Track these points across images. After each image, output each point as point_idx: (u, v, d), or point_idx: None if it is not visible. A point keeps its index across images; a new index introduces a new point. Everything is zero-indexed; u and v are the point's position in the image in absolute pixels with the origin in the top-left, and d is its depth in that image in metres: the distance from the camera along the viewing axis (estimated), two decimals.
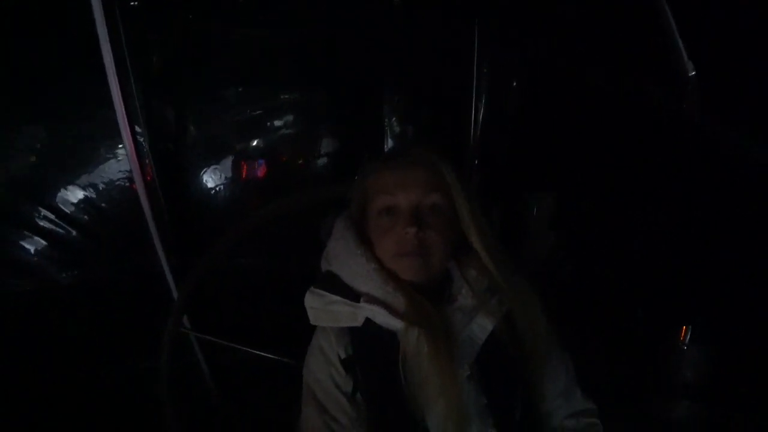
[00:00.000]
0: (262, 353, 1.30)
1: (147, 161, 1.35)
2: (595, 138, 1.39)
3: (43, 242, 1.39)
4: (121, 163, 1.38)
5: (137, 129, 1.31)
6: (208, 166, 1.45)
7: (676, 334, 1.11)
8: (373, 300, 0.81)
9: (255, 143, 1.47)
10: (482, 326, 0.81)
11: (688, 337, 1.09)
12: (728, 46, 0.91)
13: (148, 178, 1.35)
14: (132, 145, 1.29)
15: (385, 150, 1.46)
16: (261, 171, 1.51)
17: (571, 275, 1.40)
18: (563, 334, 0.91)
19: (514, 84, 1.34)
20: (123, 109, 1.25)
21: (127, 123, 1.27)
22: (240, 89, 1.42)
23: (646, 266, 1.29)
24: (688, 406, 1.07)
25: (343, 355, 0.83)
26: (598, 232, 1.43)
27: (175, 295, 1.40)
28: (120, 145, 1.33)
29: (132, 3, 1.28)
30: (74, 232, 1.40)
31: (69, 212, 1.39)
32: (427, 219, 0.82)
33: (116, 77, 1.21)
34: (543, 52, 1.30)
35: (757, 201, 1.03)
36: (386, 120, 1.46)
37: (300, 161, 1.51)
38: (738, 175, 1.01)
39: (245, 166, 1.48)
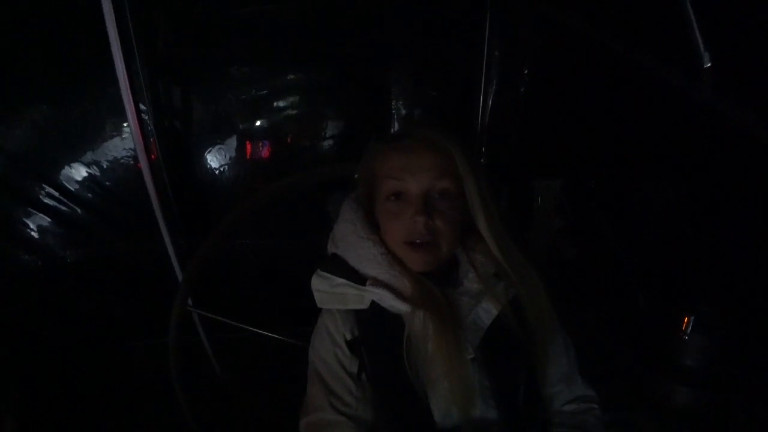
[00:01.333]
0: (267, 333, 1.31)
1: (151, 140, 1.34)
2: (602, 125, 1.38)
3: (49, 219, 1.40)
4: (125, 142, 1.38)
5: (142, 107, 1.30)
6: (213, 146, 1.44)
7: (679, 321, 1.12)
8: (379, 283, 0.81)
9: (260, 123, 1.46)
10: (487, 311, 0.81)
11: (691, 326, 1.10)
12: (747, 39, 0.89)
13: (153, 156, 1.34)
14: (136, 123, 1.27)
15: (392, 131, 1.44)
16: (266, 151, 1.50)
17: (576, 260, 1.41)
18: (567, 319, 0.91)
19: (525, 69, 1.31)
20: (128, 88, 1.23)
21: (132, 101, 1.25)
22: (246, 68, 1.40)
23: (650, 253, 1.30)
24: (689, 393, 1.08)
25: (348, 337, 0.84)
26: (603, 218, 1.43)
27: (179, 273, 1.41)
28: (125, 124, 1.32)
29: None
30: (80, 210, 1.40)
31: (74, 190, 1.39)
32: (437, 205, 0.81)
33: (121, 55, 1.18)
34: (553, 36, 1.27)
35: (760, 189, 1.02)
36: (393, 101, 1.45)
37: (306, 141, 1.50)
38: (744, 164, 1.00)
39: (250, 146, 1.48)
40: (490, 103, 1.37)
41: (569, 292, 0.87)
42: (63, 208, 1.39)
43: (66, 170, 1.38)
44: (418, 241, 0.81)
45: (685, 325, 1.10)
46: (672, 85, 0.96)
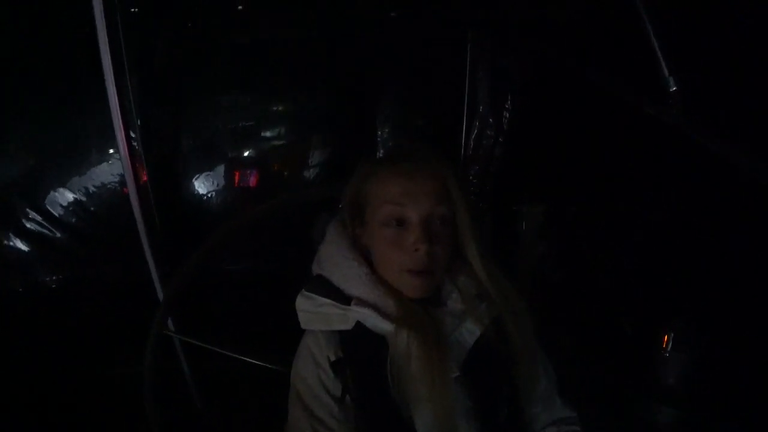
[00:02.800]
0: (249, 359, 1.29)
1: (140, 165, 1.35)
2: (584, 150, 1.42)
3: (33, 243, 1.38)
4: (113, 167, 1.39)
5: (131, 134, 1.32)
6: (201, 172, 1.46)
7: (659, 339, 1.12)
8: (363, 303, 0.81)
9: (248, 150, 1.48)
10: (471, 331, 0.81)
11: (671, 344, 1.10)
12: (714, 60, 0.94)
13: (141, 181, 1.35)
14: (126, 148, 1.29)
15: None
16: (253, 178, 1.52)
17: (560, 283, 1.42)
18: (549, 340, 0.91)
19: (509, 93, 1.36)
20: (119, 113, 1.25)
21: (122, 127, 1.27)
22: (235, 96, 1.44)
23: (631, 274, 1.32)
24: (671, 412, 1.07)
25: (332, 358, 0.83)
26: (585, 242, 1.46)
27: (161, 298, 1.39)
28: (113, 149, 1.34)
29: (132, 10, 1.30)
30: (63, 235, 1.39)
31: (58, 214, 1.38)
32: (436, 232, 0.80)
33: (113, 80, 1.21)
34: (534, 64, 1.33)
35: (741, 209, 1.05)
36: (379, 129, 1.49)
37: (293, 169, 1.53)
38: (722, 183, 1.03)
39: (238, 173, 1.49)
40: (473, 131, 1.41)
41: (552, 315, 0.87)
42: (47, 231, 1.38)
43: (51, 194, 1.37)
44: (419, 269, 0.80)
45: (665, 342, 1.11)
46: (644, 110, 1.00)
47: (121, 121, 1.25)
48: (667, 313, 1.18)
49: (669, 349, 1.11)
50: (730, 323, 1.07)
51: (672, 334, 1.11)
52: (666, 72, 0.87)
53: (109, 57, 1.19)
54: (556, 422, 0.89)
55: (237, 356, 1.29)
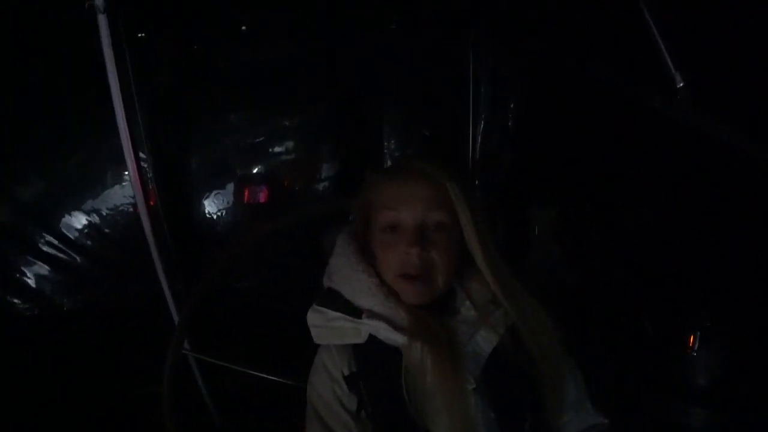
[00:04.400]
0: (265, 375, 1.28)
1: (150, 187, 1.37)
2: (595, 149, 1.40)
3: (47, 267, 1.40)
4: (125, 189, 1.41)
5: (141, 155, 1.34)
6: (211, 191, 1.47)
7: (685, 339, 1.09)
8: (374, 315, 0.80)
9: (258, 167, 1.49)
10: (487, 339, 0.80)
11: (697, 343, 1.07)
12: (721, 54, 0.93)
13: (152, 203, 1.36)
14: (136, 171, 1.31)
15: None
16: (263, 195, 1.52)
17: (577, 287, 1.39)
18: (572, 345, 0.89)
19: (514, 98, 1.35)
20: (128, 136, 1.28)
21: (131, 149, 1.29)
22: (242, 114, 1.45)
23: (651, 273, 1.29)
24: (701, 414, 1.03)
25: (346, 372, 0.82)
26: (602, 243, 1.43)
27: (176, 319, 1.40)
28: (125, 171, 1.35)
29: (139, 35, 1.33)
30: (78, 257, 1.41)
31: (73, 237, 1.40)
32: (432, 237, 0.81)
33: (122, 104, 1.24)
34: (540, 65, 1.32)
35: (762, 203, 1.02)
36: (386, 141, 1.49)
37: (302, 184, 1.53)
38: (741, 180, 1.01)
39: (247, 191, 1.50)
40: (479, 138, 1.40)
41: (572, 319, 0.85)
42: (62, 255, 1.40)
43: (66, 218, 1.40)
44: (412, 273, 0.81)
45: (691, 342, 1.07)
46: (653, 107, 0.99)
47: (130, 144, 1.28)
48: (691, 311, 1.15)
49: (696, 348, 1.07)
50: (757, 320, 1.03)
51: (698, 333, 1.07)
52: (672, 68, 0.85)
53: (117, 82, 1.21)
54: (588, 429, 0.86)
55: (254, 372, 1.29)
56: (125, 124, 1.27)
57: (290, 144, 1.50)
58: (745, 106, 0.88)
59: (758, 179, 0.95)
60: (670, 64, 0.85)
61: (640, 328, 1.20)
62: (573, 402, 0.87)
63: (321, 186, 1.52)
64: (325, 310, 0.85)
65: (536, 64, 1.31)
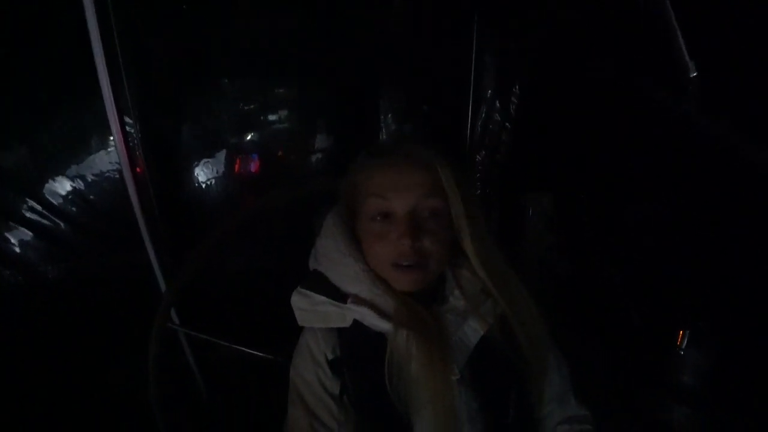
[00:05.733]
0: (252, 351, 1.28)
1: (137, 153, 1.32)
2: (593, 138, 1.37)
3: (30, 234, 1.36)
4: (111, 155, 1.35)
5: (127, 120, 1.29)
6: (201, 160, 1.42)
7: (673, 336, 1.09)
8: (360, 301, 0.78)
9: (250, 138, 1.44)
10: (474, 329, 0.79)
11: (686, 341, 1.07)
12: (733, 46, 0.88)
13: (138, 170, 1.32)
14: (121, 137, 1.26)
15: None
16: (255, 166, 1.48)
17: (568, 276, 1.38)
18: (559, 336, 0.88)
19: (515, 83, 1.30)
20: (112, 100, 1.22)
21: (116, 114, 1.24)
22: (235, 82, 1.39)
23: (643, 268, 1.28)
24: (686, 411, 1.04)
25: (330, 356, 0.81)
26: (595, 233, 1.41)
27: (163, 290, 1.38)
28: (110, 137, 1.30)
29: None
30: (62, 225, 1.37)
31: (57, 204, 1.36)
32: (425, 225, 0.78)
33: (105, 67, 1.18)
34: (543, 50, 1.27)
35: (756, 204, 1.00)
36: (383, 116, 1.44)
37: (295, 157, 1.48)
38: (736, 178, 0.99)
39: (239, 161, 1.46)
40: (479, 117, 1.36)
41: (561, 309, 0.84)
42: (46, 222, 1.36)
43: (50, 184, 1.35)
44: (404, 264, 0.78)
45: (680, 339, 1.07)
46: (660, 99, 0.95)
47: (114, 109, 1.22)
48: (680, 307, 1.14)
49: (683, 346, 1.07)
50: (745, 321, 1.03)
51: (687, 332, 1.07)
52: (686, 56, 0.81)
53: (100, 43, 1.15)
54: (569, 420, 0.86)
55: (239, 348, 1.29)
56: (109, 87, 1.21)
57: (284, 116, 1.45)
58: (746, 105, 0.84)
59: (755, 178, 0.92)
60: (685, 52, 0.80)
61: (628, 322, 1.20)
62: (556, 394, 0.87)
63: (315, 160, 1.48)
64: (310, 293, 0.83)
65: (542, 47, 1.25)
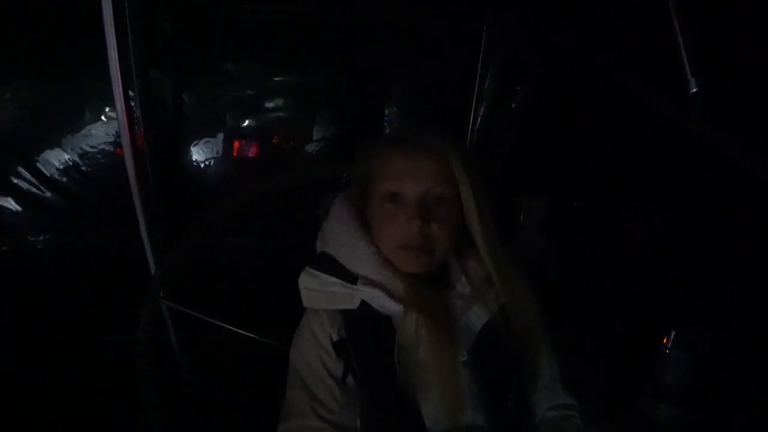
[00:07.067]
0: (244, 332, 1.27)
1: (137, 128, 1.30)
2: (589, 144, 1.42)
3: (22, 203, 1.33)
4: (109, 127, 1.34)
5: (131, 93, 1.26)
6: (201, 140, 1.42)
7: (660, 336, 1.14)
8: (370, 283, 0.80)
9: (251, 121, 1.44)
10: (479, 315, 0.82)
11: (672, 341, 1.12)
12: (734, 60, 0.93)
13: (138, 144, 1.29)
14: (124, 109, 1.23)
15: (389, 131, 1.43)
16: (255, 149, 1.48)
17: (558, 279, 1.43)
18: (550, 332, 0.92)
19: (522, 84, 1.34)
20: (118, 72, 1.19)
21: (121, 86, 1.21)
22: (241, 65, 1.38)
23: (632, 272, 1.33)
24: (669, 410, 1.09)
25: (335, 338, 0.82)
26: (586, 238, 1.46)
27: (153, 267, 1.36)
28: (110, 108, 1.28)
29: None
30: (54, 195, 1.34)
31: (49, 174, 1.33)
32: (434, 211, 0.81)
33: (115, 38, 1.15)
34: (550, 54, 1.31)
35: (745, 209, 1.06)
36: (386, 109, 1.46)
37: (296, 142, 1.49)
38: (728, 185, 1.04)
39: (239, 143, 1.45)
40: (480, 118, 1.39)
41: (550, 310, 0.87)
42: (37, 191, 1.33)
43: (44, 152, 1.32)
44: (412, 245, 0.80)
45: (666, 339, 1.12)
46: (660, 109, 1.00)
47: (120, 80, 1.19)
48: (666, 311, 1.20)
49: (670, 346, 1.12)
50: (732, 323, 1.08)
51: (674, 332, 1.12)
52: (688, 72, 0.85)
53: (112, 16, 1.12)
54: (557, 407, 0.90)
55: (232, 328, 1.28)
56: (116, 57, 1.18)
57: (287, 101, 1.45)
58: (748, 116, 0.89)
59: (747, 185, 0.97)
60: (687, 66, 0.85)
61: (616, 323, 1.24)
62: (547, 382, 0.91)
63: (315, 147, 1.49)
64: (319, 273, 0.84)
65: (549, 51, 1.29)
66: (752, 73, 0.91)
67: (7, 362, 1.35)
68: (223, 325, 1.28)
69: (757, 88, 0.89)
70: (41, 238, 1.35)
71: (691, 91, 0.88)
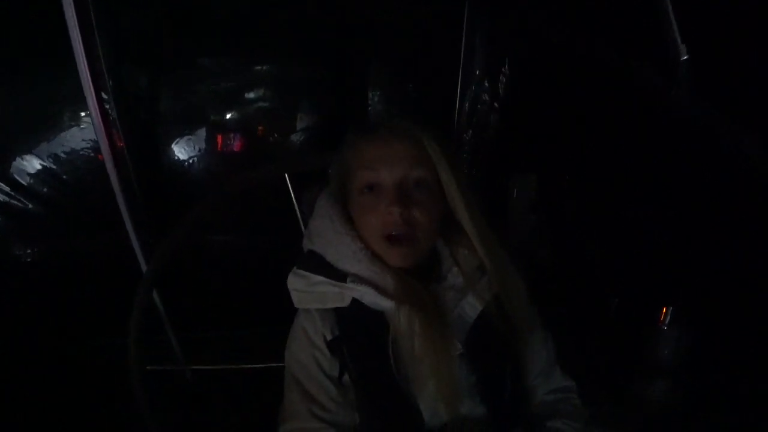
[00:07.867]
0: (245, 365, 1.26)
1: (114, 130, 1.26)
2: (580, 121, 1.39)
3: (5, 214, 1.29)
4: (84, 132, 1.30)
5: (103, 95, 1.22)
6: (182, 137, 1.38)
7: (656, 313, 1.14)
8: (360, 280, 0.78)
9: (232, 115, 1.40)
10: (472, 305, 0.80)
11: (668, 318, 1.12)
12: (725, 28, 0.90)
13: (117, 147, 1.26)
14: (98, 111, 1.19)
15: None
16: (237, 144, 1.45)
17: (550, 257, 1.42)
18: (543, 314, 0.91)
19: (507, 61, 1.30)
20: (88, 73, 1.15)
21: (92, 88, 1.17)
22: (218, 58, 1.34)
23: (626, 248, 1.32)
24: (665, 387, 1.10)
25: (329, 337, 0.80)
26: (578, 215, 1.45)
27: (144, 269, 1.34)
28: (85, 112, 1.24)
29: None
30: (32, 205, 1.31)
31: (26, 183, 1.29)
32: (413, 196, 0.78)
33: (80, 37, 1.10)
34: (532, 31, 1.27)
35: (740, 187, 1.04)
36: (370, 94, 1.42)
37: (279, 135, 1.45)
38: (723, 162, 1.02)
39: (221, 138, 1.42)
40: (468, 97, 1.36)
41: (543, 288, 0.86)
42: (14, 202, 1.29)
43: (18, 162, 1.28)
44: (395, 233, 0.78)
45: (662, 316, 1.12)
46: (650, 82, 0.97)
47: (90, 82, 1.15)
48: (661, 289, 1.19)
49: (667, 322, 1.12)
50: (727, 301, 1.08)
51: (671, 309, 1.11)
52: (678, 38, 0.82)
53: (74, 12, 1.07)
54: (555, 391, 0.90)
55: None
56: (84, 58, 1.13)
57: (268, 93, 1.41)
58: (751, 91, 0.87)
59: (739, 166, 0.95)
60: (677, 35, 0.82)
61: (610, 301, 1.24)
62: (544, 368, 0.90)
63: (298, 139, 1.45)
64: (307, 274, 0.82)
65: (532, 27, 1.25)
66: (742, 45, 0.88)
67: (1, 368, 1.34)
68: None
69: (744, 60, 0.86)
70: (26, 250, 1.33)
71: (682, 59, 0.85)
